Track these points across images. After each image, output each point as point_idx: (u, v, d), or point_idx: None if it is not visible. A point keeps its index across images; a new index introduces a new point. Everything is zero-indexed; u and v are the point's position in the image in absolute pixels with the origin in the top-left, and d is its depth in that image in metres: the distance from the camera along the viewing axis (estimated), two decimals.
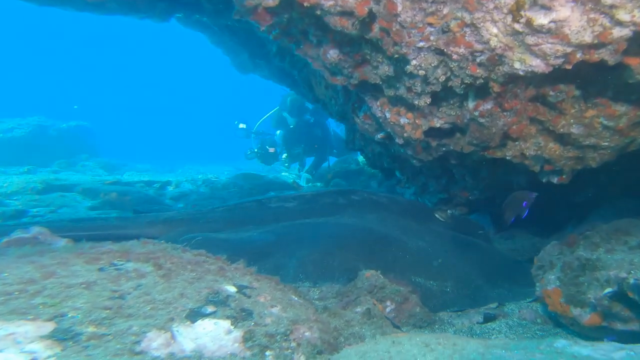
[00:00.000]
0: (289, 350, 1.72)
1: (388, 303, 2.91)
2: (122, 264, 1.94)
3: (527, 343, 1.22)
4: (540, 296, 2.67)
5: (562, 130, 2.81)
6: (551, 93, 2.67)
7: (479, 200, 5.47)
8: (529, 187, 4.25)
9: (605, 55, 2.17)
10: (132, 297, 1.74)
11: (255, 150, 11.73)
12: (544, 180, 3.37)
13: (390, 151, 5.18)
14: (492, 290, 3.37)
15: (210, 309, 1.78)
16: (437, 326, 2.98)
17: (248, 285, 2.03)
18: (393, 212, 4.78)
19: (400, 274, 3.27)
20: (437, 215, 5.05)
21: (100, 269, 1.84)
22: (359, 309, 2.37)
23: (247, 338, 1.69)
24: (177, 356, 1.57)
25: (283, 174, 14.91)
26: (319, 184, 13.53)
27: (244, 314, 1.79)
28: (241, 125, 12.79)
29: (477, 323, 2.98)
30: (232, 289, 1.96)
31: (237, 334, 1.69)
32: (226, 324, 1.72)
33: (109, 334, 1.54)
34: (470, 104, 2.87)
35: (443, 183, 5.50)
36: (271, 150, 12.11)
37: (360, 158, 13.12)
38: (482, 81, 2.57)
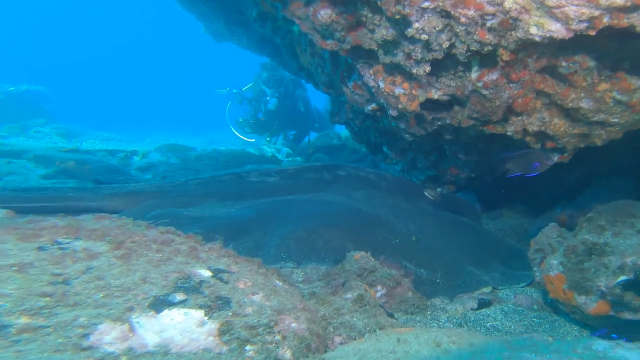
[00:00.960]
0: (273, 345, 1.51)
1: (379, 287, 2.75)
2: (68, 242, 1.68)
3: (558, 345, 1.05)
4: (541, 281, 2.55)
5: (570, 104, 2.63)
6: (563, 64, 2.47)
7: (469, 179, 5.36)
8: None
9: (635, 20, 1.98)
10: (79, 282, 1.49)
11: (250, 119, 11.67)
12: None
13: (379, 125, 4.97)
14: (485, 275, 3.25)
15: (179, 296, 1.55)
16: (429, 312, 2.84)
17: (225, 269, 1.80)
18: (381, 189, 4.60)
19: (392, 257, 3.10)
20: (426, 194, 4.89)
21: (40, 248, 1.57)
22: (349, 295, 2.18)
23: (223, 331, 1.47)
24: (137, 351, 1.35)
25: (263, 147, 14.60)
26: (299, 158, 13.28)
27: (220, 302, 1.57)
28: (234, 90, 12.26)
29: (471, 309, 2.85)
30: (206, 273, 1.73)
31: (212, 326, 1.47)
32: (199, 314, 1.49)
33: (48, 326, 1.29)
34: (474, 74, 2.66)
35: (432, 160, 5.34)
36: (262, 119, 11.95)
37: (343, 133, 12.92)
38: (490, 49, 2.36)
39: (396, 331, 1.41)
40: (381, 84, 3.22)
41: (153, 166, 7.57)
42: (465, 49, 2.47)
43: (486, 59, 2.56)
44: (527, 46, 2.35)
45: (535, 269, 2.85)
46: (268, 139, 12.31)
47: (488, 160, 4.30)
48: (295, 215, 3.56)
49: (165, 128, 20.33)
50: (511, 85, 2.61)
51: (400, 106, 3.19)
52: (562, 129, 2.77)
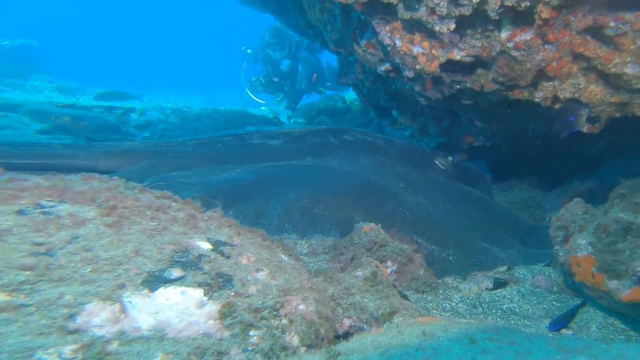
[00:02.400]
0: (279, 330, 1.38)
1: (389, 263, 2.63)
2: (52, 206, 1.52)
3: (620, 349, 0.91)
4: (565, 262, 2.42)
5: (612, 70, 2.42)
6: (611, 24, 2.24)
7: (483, 147, 5.19)
8: (543, 134, 3.94)
9: None
10: (64, 254, 1.34)
11: (262, 79, 11.93)
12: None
13: (391, 87, 4.74)
14: (501, 252, 3.13)
15: (176, 272, 1.41)
16: (441, 291, 2.74)
17: (226, 241, 1.65)
18: (390, 156, 4.44)
19: (402, 231, 2.97)
20: (437, 162, 4.74)
21: (20, 212, 1.42)
22: (360, 273, 2.05)
23: (225, 313, 1.34)
24: (130, 336, 1.22)
25: (262, 108, 14.35)
26: (301, 120, 13.03)
27: (221, 280, 1.43)
28: (249, 51, 12.45)
29: (486, 289, 2.74)
30: (205, 246, 1.58)
31: (213, 307, 1.34)
32: (198, 293, 1.36)
33: (30, 305, 1.16)
34: (504, 34, 2.44)
35: (445, 126, 5.15)
36: (275, 79, 12.19)
37: (348, 96, 12.63)
38: (528, 4, 2.14)
39: (420, 322, 1.28)
40: (398, 43, 2.99)
41: (151, 124, 7.38)
42: (498, 4, 2.24)
43: (520, 16, 2.35)
44: (574, 1, 2.12)
45: (557, 247, 2.72)
46: (279, 99, 12.48)
47: (506, 129, 4.10)
48: (299, 181, 3.42)
49: (164, 86, 19.93)
50: (546, 46, 2.40)
51: (417, 67, 2.97)
52: (598, 96, 2.57)
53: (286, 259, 1.84)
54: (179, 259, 1.47)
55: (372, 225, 2.75)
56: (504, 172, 6.05)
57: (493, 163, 6.34)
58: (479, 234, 3.30)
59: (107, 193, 1.59)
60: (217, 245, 1.61)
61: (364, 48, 3.66)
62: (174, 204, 1.76)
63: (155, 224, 1.56)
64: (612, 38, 2.29)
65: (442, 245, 3.01)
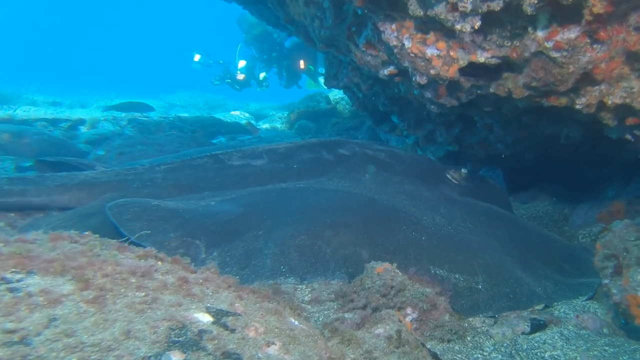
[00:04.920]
0: None
1: (409, 310, 2.61)
2: (20, 280, 1.46)
3: None
4: (621, 302, 2.44)
5: None
6: None
7: (500, 156, 5.24)
8: (580, 141, 3.98)
9: None
10: (43, 341, 1.29)
11: (228, 80, 14.26)
12: (614, 137, 3.08)
13: (392, 91, 4.76)
14: (536, 285, 3.14)
15: (175, 356, 1.37)
16: (469, 338, 2.72)
17: (228, 310, 1.62)
18: (395, 172, 4.45)
19: (419, 264, 2.96)
20: (449, 176, 4.75)
21: None
22: (381, 330, 2.03)
23: None
24: None
25: (232, 113, 14.36)
26: (278, 124, 13.01)
27: None
28: (196, 58, 14.95)
29: (523, 334, 2.74)
30: (205, 318, 1.54)
31: None
32: None
33: None
34: (541, 32, 2.47)
35: (455, 133, 5.20)
36: (240, 77, 14.21)
37: (332, 94, 12.67)
38: None
39: None
40: (407, 43, 3.01)
41: (105, 139, 7.26)
42: None
43: (563, 11, 2.38)
44: None
45: (606, 281, 2.74)
46: (265, 83, 14.68)
47: (532, 136, 4.16)
48: (292, 210, 3.39)
49: (112, 91, 19.74)
50: (595, 46, 2.43)
51: (432, 72, 2.99)
52: None
53: (297, 323, 1.81)
54: (176, 338, 1.42)
55: (387, 265, 2.73)
56: (524, 181, 6.09)
57: (510, 171, 6.40)
58: (511, 260, 3.32)
59: (82, 259, 1.54)
60: (218, 316, 1.57)
61: (363, 49, 3.67)
62: (160, 264, 1.72)
63: (143, 294, 1.52)
64: None
65: (469, 272, 2.99)
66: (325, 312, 2.64)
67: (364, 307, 2.51)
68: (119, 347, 1.33)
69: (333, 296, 2.75)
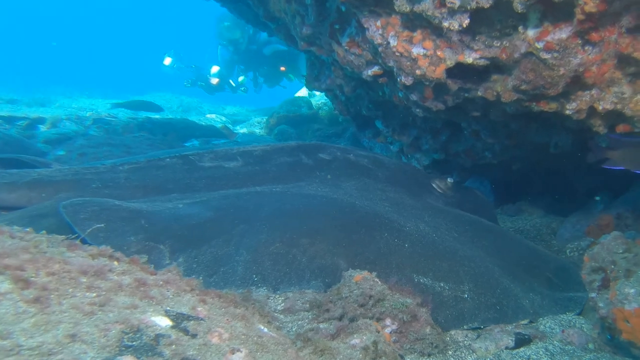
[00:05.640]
0: None
1: (388, 322, 2.57)
2: None
3: None
4: (608, 316, 2.43)
5: None
6: None
7: (488, 165, 5.27)
8: (569, 151, 4.01)
9: None
10: None
11: (200, 83, 14.65)
12: (604, 145, 3.10)
13: (376, 94, 4.76)
14: (523, 297, 3.13)
15: None
16: (451, 352, 2.71)
17: (190, 314, 1.55)
18: (378, 179, 4.43)
19: (401, 273, 2.94)
20: (434, 185, 4.76)
21: None
22: (357, 341, 1.98)
23: None
24: None
25: (207, 116, 14.33)
26: (257, 129, 12.95)
27: None
28: (166, 61, 15.42)
29: (506, 348, 2.73)
30: (163, 322, 1.48)
31: None
32: None
33: None
34: (531, 31, 2.48)
35: (442, 140, 5.22)
36: (214, 81, 14.66)
37: (314, 99, 12.70)
38: None
39: None
40: (392, 41, 3.00)
41: (66, 139, 7.12)
42: None
43: (554, 10, 2.40)
44: None
45: (593, 295, 2.75)
46: (243, 87, 15.10)
47: (520, 144, 4.18)
48: (267, 215, 3.34)
49: (77, 90, 19.47)
50: (587, 47, 2.44)
51: (418, 72, 2.98)
52: None
53: (266, 330, 1.75)
54: (130, 343, 1.36)
55: (365, 274, 2.70)
56: (511, 193, 6.14)
57: (497, 182, 6.45)
58: (498, 269, 3.32)
59: (24, 255, 1.46)
60: (178, 319, 1.51)
61: (346, 47, 3.66)
62: (115, 264, 1.65)
63: (94, 295, 1.45)
64: None
65: (454, 281, 2.99)
66: (299, 322, 2.60)
67: (341, 318, 2.47)
68: (62, 351, 1.26)
69: (308, 306, 2.71)
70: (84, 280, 1.50)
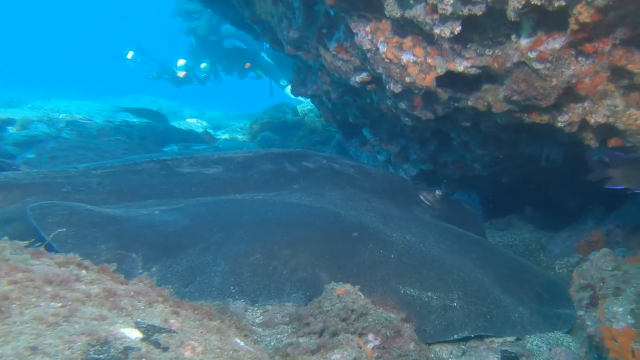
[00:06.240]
0: None
1: (371, 337, 2.55)
2: None
3: None
4: (595, 335, 2.44)
5: None
6: None
7: (477, 177, 5.30)
8: (560, 164, 4.05)
9: None
10: None
11: (166, 76, 14.94)
12: (595, 158, 3.14)
13: (364, 101, 4.78)
14: (513, 309, 3.16)
15: None
16: None
17: (162, 326, 1.52)
18: (364, 189, 4.44)
19: (386, 285, 2.95)
20: (422, 197, 4.78)
21: None
22: (337, 356, 1.97)
23: None
24: None
25: (188, 120, 14.28)
26: (239, 135, 12.92)
27: None
28: (128, 55, 15.52)
29: None
30: (133, 334, 1.45)
31: None
32: None
33: None
34: (524, 41, 2.51)
35: (430, 150, 5.25)
36: (180, 74, 14.85)
37: (301, 106, 12.72)
38: (563, 4, 2.19)
39: None
40: (382, 47, 3.01)
41: (37, 141, 7.03)
42: (523, 2, 2.29)
43: (548, 19, 2.43)
44: (629, 1, 2.19)
45: (581, 313, 2.76)
46: (204, 74, 15.32)
47: (511, 156, 4.22)
48: (247, 224, 3.33)
49: (52, 90, 19.30)
50: (580, 58, 2.47)
51: (407, 79, 3.00)
52: (638, 121, 2.66)
53: (242, 344, 1.73)
54: (96, 356, 1.33)
55: (348, 287, 2.70)
56: (500, 206, 6.18)
57: (486, 194, 6.49)
58: (487, 279, 3.33)
59: None
60: (149, 332, 1.48)
61: (334, 52, 3.67)
62: (84, 272, 1.61)
63: (59, 305, 1.41)
64: None
65: (443, 289, 3.00)
66: (278, 335, 2.59)
67: (321, 332, 2.46)
68: None
69: (287, 319, 2.70)
70: (49, 289, 1.47)
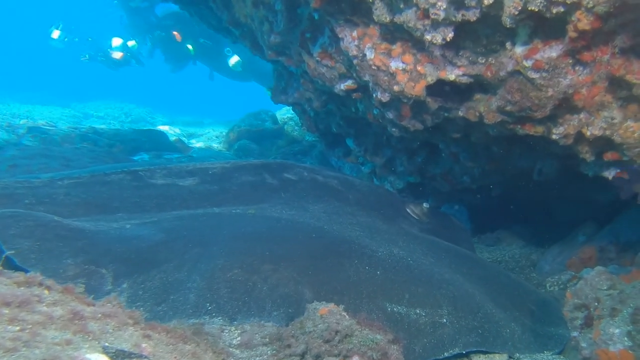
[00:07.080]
0: None
1: (356, 359, 2.52)
2: None
3: None
4: (592, 357, 2.45)
5: None
6: None
7: (466, 190, 5.32)
8: (553, 178, 4.07)
9: None
10: None
11: (100, 58, 14.47)
12: (590, 174, 3.15)
13: (349, 110, 4.77)
14: (505, 325, 3.15)
15: None
16: None
17: (132, 351, 1.47)
18: (349, 202, 4.43)
19: (372, 303, 2.93)
20: (409, 210, 4.78)
21: None
22: None
23: None
24: None
25: (159, 127, 14.14)
26: (215, 144, 12.84)
27: None
28: (54, 34, 14.94)
29: None
30: None
31: None
32: None
33: None
34: (519, 49, 2.52)
35: (418, 162, 5.26)
36: (116, 55, 14.28)
37: (280, 113, 12.70)
38: (562, 10, 2.20)
39: None
40: (369, 54, 3.01)
41: None
42: (519, 8, 2.30)
43: (545, 26, 2.43)
44: (630, 9, 2.20)
45: (575, 334, 2.77)
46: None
47: (502, 169, 4.23)
48: (225, 239, 3.30)
49: (11, 94, 19.01)
50: (578, 68, 2.48)
51: (395, 88, 2.99)
52: (636, 134, 2.68)
53: None
54: None
55: (332, 306, 2.67)
56: (489, 221, 6.21)
57: (475, 208, 6.52)
58: (478, 293, 3.34)
59: None
60: (118, 357, 1.43)
61: (318, 58, 3.66)
62: (46, 293, 1.55)
63: (17, 329, 1.36)
64: None
65: (431, 305, 3.01)
66: (257, 358, 2.56)
67: (303, 355, 2.45)
68: None
69: (267, 340, 2.66)
70: (6, 311, 1.41)
